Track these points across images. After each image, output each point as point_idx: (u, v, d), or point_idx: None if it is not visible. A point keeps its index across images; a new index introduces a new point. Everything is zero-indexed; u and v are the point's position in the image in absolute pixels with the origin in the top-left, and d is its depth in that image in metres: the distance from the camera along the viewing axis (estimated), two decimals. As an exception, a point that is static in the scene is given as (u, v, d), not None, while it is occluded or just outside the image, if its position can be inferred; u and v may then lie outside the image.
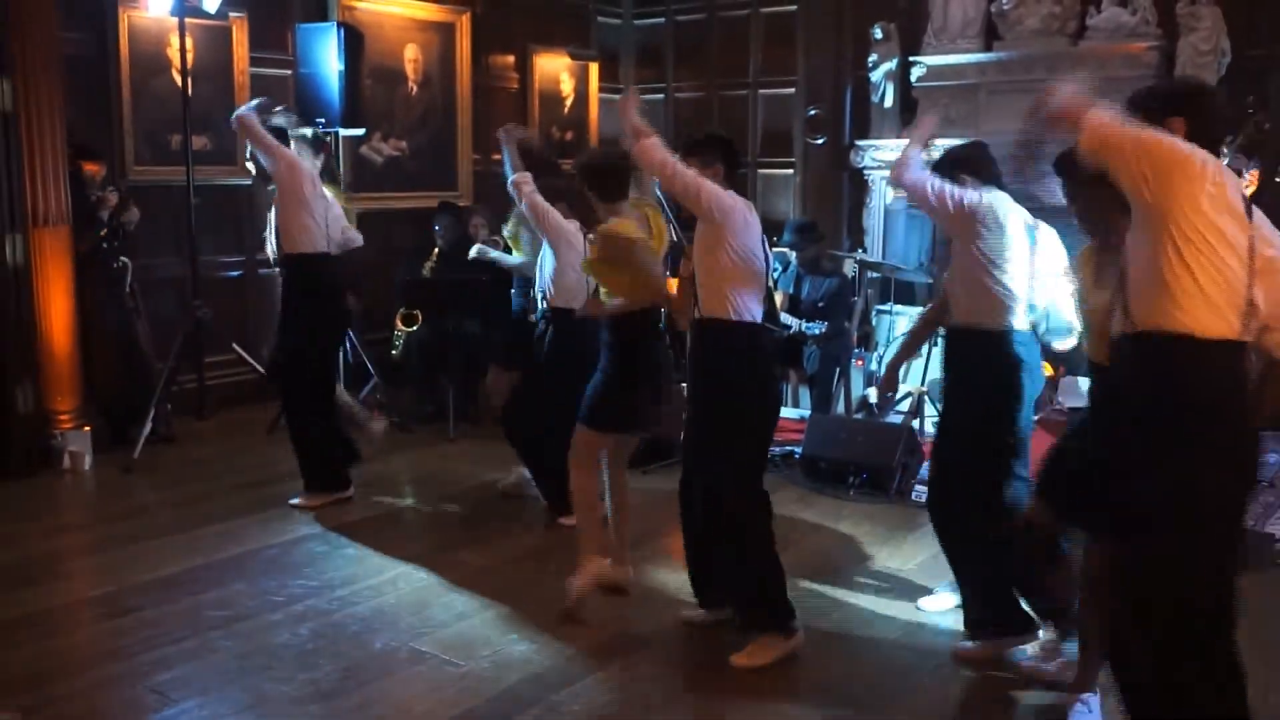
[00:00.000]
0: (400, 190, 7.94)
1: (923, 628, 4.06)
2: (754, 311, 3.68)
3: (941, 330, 4.09)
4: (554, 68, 9.10)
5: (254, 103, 5.17)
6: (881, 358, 7.10)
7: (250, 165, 5.49)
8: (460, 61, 8.33)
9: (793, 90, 9.09)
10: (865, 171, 8.62)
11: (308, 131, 5.34)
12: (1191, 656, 2.64)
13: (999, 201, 3.57)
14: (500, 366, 5.61)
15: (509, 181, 4.86)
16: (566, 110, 9.25)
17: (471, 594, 4.26)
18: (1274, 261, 2.60)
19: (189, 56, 6.43)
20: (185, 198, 6.52)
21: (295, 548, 4.76)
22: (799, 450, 5.96)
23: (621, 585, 4.28)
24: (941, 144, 4.62)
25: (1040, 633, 3.72)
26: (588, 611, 4.12)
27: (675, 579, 4.41)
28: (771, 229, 5.03)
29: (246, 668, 3.62)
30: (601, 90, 9.49)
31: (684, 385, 4.03)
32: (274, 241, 5.50)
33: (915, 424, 6.11)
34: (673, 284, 4.26)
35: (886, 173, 8.20)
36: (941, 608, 4.15)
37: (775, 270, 7.07)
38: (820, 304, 6.85)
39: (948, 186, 3.54)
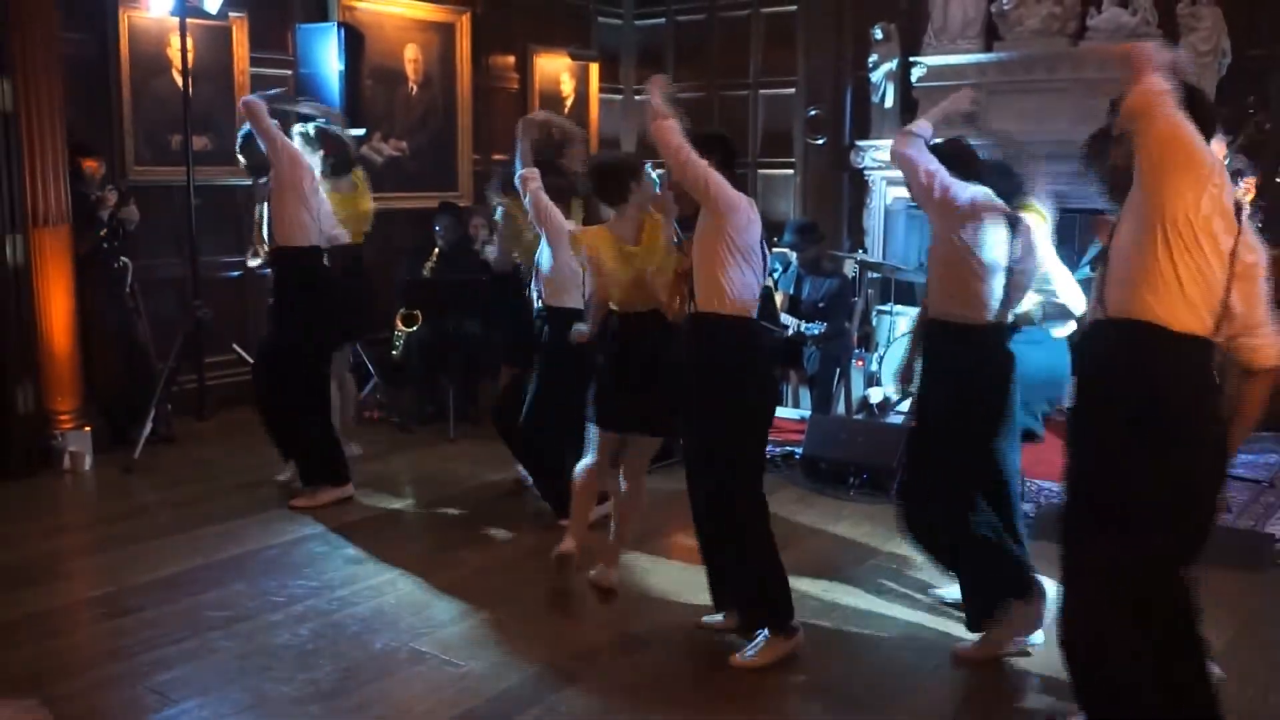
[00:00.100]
0: (400, 190, 7.94)
1: (923, 628, 4.06)
2: (751, 307, 3.69)
3: None
4: (554, 68, 9.10)
5: (270, 91, 5.21)
6: (882, 358, 7.10)
7: (241, 157, 5.48)
8: (460, 62, 8.33)
9: (793, 90, 9.08)
10: (865, 172, 8.61)
11: (310, 129, 5.35)
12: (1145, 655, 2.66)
13: (980, 197, 3.58)
14: (509, 366, 5.60)
15: (516, 175, 4.87)
16: (567, 111, 9.22)
17: (472, 594, 4.25)
18: (1253, 268, 2.65)
19: (189, 57, 6.43)
20: (186, 198, 6.52)
21: (295, 548, 4.76)
22: (799, 451, 5.97)
23: (609, 587, 4.30)
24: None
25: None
26: (588, 612, 4.12)
27: (675, 579, 4.42)
28: (772, 229, 5.05)
29: (246, 668, 3.62)
30: (602, 91, 9.48)
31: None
32: (265, 232, 5.47)
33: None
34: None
35: (887, 172, 8.22)
36: (957, 590, 4.11)
37: (776, 271, 7.09)
38: (820, 304, 6.85)
39: (941, 172, 3.54)
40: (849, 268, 7.78)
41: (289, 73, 7.21)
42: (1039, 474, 5.29)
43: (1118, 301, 2.65)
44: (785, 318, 6.77)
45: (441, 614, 4.09)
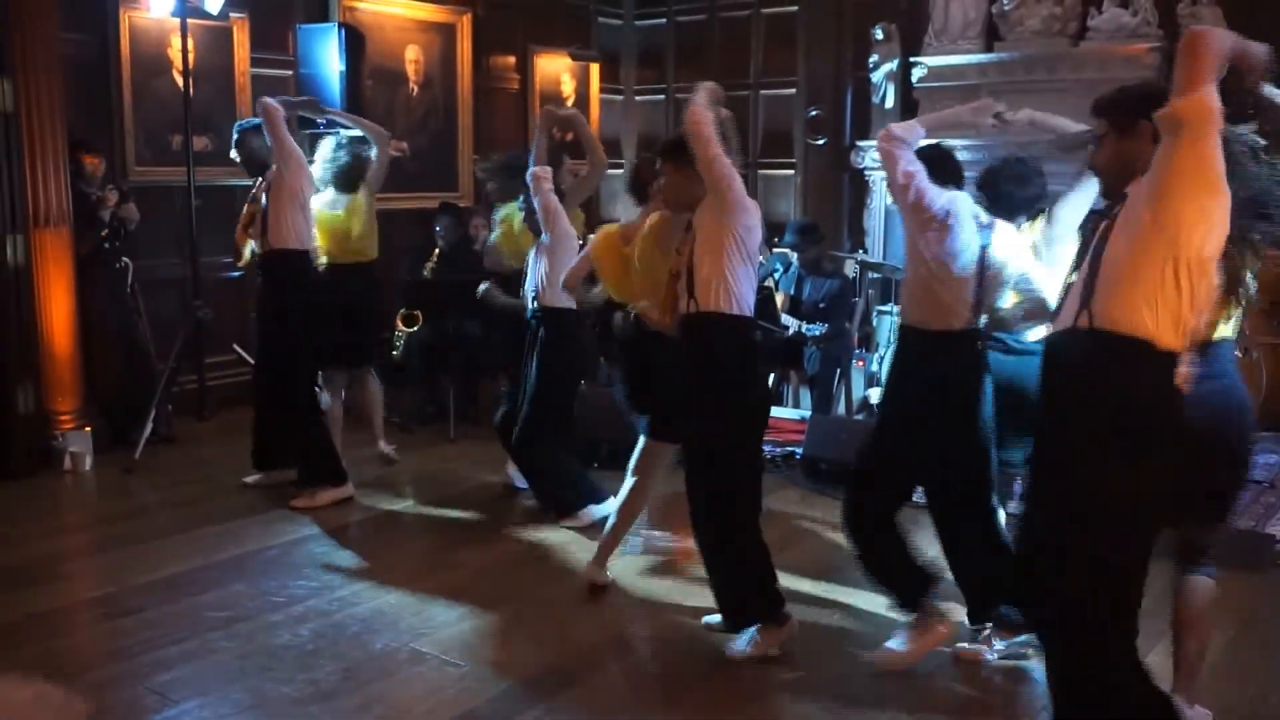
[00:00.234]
0: (401, 191, 7.94)
1: (923, 628, 4.05)
2: (749, 309, 3.70)
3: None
4: (555, 69, 9.10)
5: (294, 99, 5.26)
6: (882, 359, 7.09)
7: (235, 154, 5.49)
8: (461, 62, 8.34)
9: (793, 91, 9.08)
10: (866, 172, 8.60)
11: (344, 138, 5.48)
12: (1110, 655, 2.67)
13: (956, 204, 3.52)
14: (510, 368, 5.59)
15: (528, 172, 4.85)
16: (567, 111, 9.25)
17: (472, 594, 4.25)
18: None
19: (190, 57, 6.44)
20: (186, 198, 6.53)
21: (295, 548, 4.76)
22: (799, 451, 5.96)
23: (599, 584, 4.30)
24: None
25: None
26: (588, 612, 4.12)
27: (674, 580, 4.41)
28: (772, 230, 5.04)
29: (247, 668, 3.62)
30: (602, 91, 9.48)
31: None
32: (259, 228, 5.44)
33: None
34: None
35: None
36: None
37: (776, 271, 7.08)
38: (821, 305, 6.85)
39: (921, 175, 3.47)
40: (849, 268, 7.78)
41: (290, 73, 7.22)
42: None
43: (1106, 312, 2.60)
44: (786, 318, 6.77)
45: (442, 614, 4.09)
